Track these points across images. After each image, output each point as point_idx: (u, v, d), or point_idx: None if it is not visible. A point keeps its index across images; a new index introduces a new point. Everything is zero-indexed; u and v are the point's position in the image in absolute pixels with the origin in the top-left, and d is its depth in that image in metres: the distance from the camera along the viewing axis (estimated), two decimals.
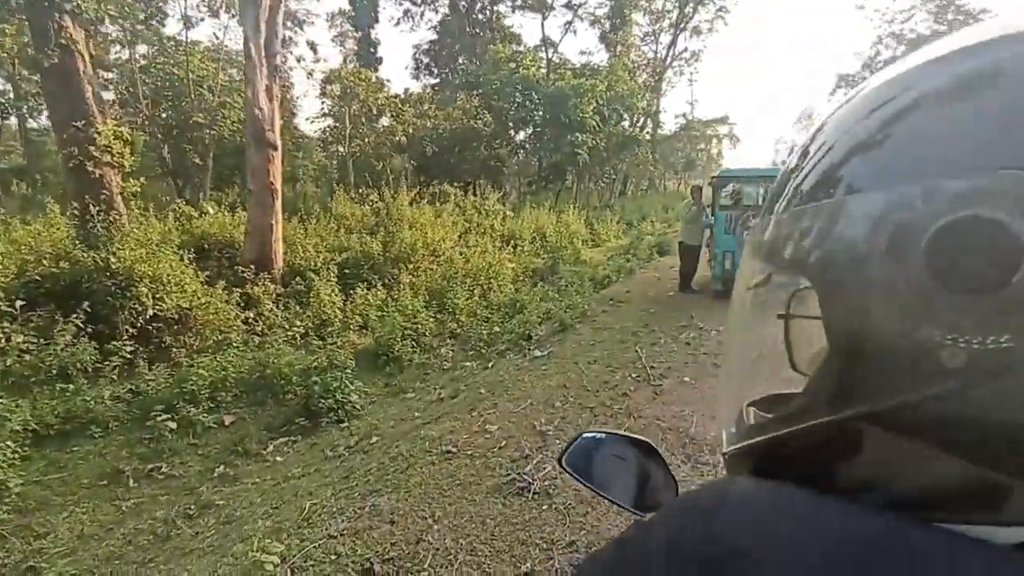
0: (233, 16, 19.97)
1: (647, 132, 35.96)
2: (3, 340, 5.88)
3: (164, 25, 20.37)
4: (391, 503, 3.52)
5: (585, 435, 0.94)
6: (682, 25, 37.42)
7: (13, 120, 24.42)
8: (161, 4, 19.67)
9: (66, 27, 7.55)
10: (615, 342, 7.01)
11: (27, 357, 5.91)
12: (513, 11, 33.86)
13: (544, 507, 3.40)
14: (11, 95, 21.79)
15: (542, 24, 32.11)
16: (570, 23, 32.15)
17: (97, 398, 5.71)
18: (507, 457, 4.08)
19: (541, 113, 23.18)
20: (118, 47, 20.23)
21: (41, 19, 7.44)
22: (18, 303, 6.23)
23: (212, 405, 6.02)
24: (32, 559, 3.89)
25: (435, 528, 3.25)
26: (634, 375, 5.68)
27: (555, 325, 8.07)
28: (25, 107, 22.76)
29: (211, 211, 11.36)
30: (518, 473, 3.78)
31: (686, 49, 40.37)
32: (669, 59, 39.16)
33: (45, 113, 17.96)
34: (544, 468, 3.84)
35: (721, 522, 0.38)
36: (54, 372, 5.96)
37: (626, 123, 30.25)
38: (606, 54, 34.68)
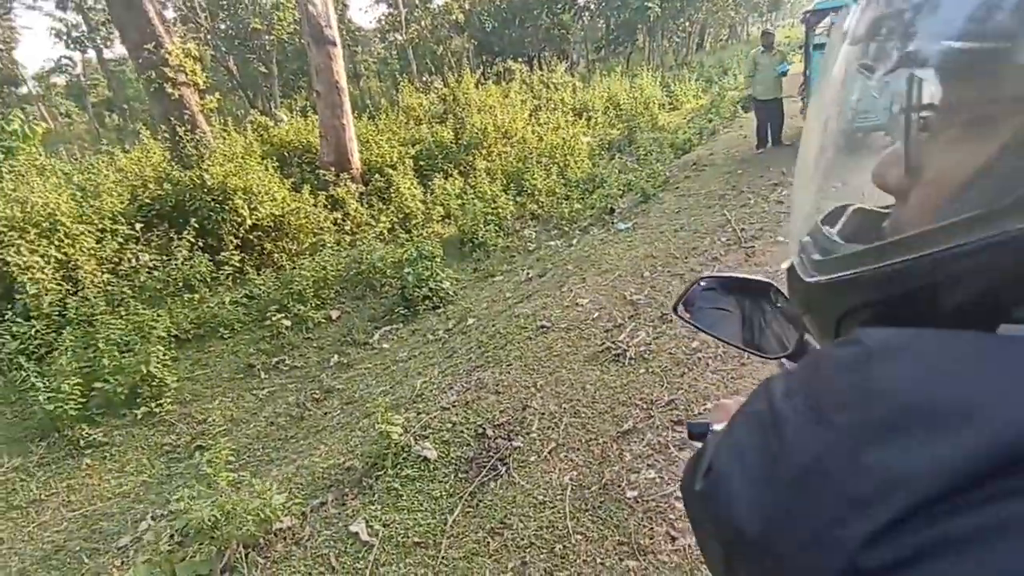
0: None
1: None
2: (135, 260, 6.51)
3: None
4: (494, 376, 3.74)
5: (702, 280, 0.91)
6: None
7: (92, 54, 25.41)
8: None
9: None
10: (701, 208, 6.74)
11: (156, 273, 6.54)
12: None
13: (641, 371, 3.50)
14: (84, 27, 22.50)
15: None
16: None
17: (219, 304, 6.31)
18: (600, 328, 4.17)
19: None
20: None
21: None
22: (138, 226, 6.80)
23: (318, 302, 6.49)
24: (198, 440, 4.55)
25: (538, 396, 3.45)
26: (723, 239, 5.49)
27: (637, 196, 7.84)
28: (98, 37, 23.53)
29: (284, 118, 11.55)
30: (612, 342, 3.88)
31: None
32: None
33: (118, 41, 18.47)
34: (638, 335, 3.91)
35: (882, 373, 0.30)
36: (180, 284, 6.59)
37: None
38: None
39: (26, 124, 8.77)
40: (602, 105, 14.64)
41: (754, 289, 0.86)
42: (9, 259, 5.75)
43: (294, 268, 6.89)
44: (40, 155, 8.15)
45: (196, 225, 6.93)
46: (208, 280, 6.75)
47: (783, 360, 0.80)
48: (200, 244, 6.92)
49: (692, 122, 13.90)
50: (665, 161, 9.82)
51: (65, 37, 23.15)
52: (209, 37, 17.60)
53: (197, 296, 6.44)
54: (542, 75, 15.91)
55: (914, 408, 0.27)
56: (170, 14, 18.00)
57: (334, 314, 6.47)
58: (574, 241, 7.06)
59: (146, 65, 7.96)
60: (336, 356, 5.67)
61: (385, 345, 5.73)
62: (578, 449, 2.97)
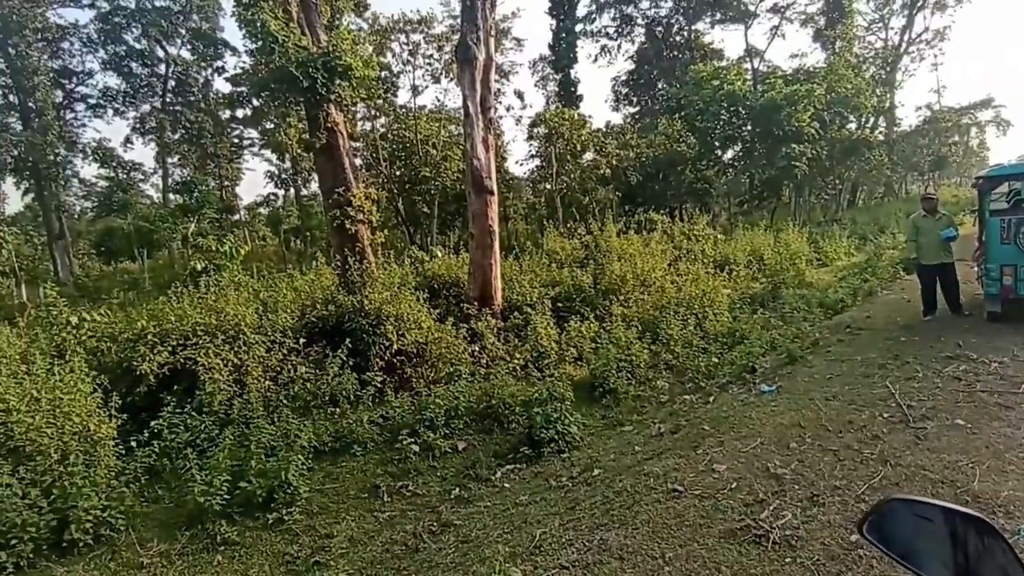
0: (451, 80, 22.43)
1: (879, 132, 31.62)
2: (293, 371, 7.23)
3: (397, 96, 23.73)
4: (619, 539, 3.50)
5: (895, 500, 0.84)
6: (919, 2, 32.49)
7: (292, 191, 30.51)
8: (394, 80, 22.90)
9: (330, 113, 9.23)
10: (857, 376, 6.16)
11: (308, 385, 7.17)
12: (712, 26, 32.81)
13: (787, 560, 3.09)
14: (291, 171, 27.29)
15: (745, 34, 30.46)
16: (777, 27, 30.11)
17: (358, 421, 6.69)
18: (739, 500, 3.80)
19: (750, 128, 21.82)
20: (363, 121, 24.08)
21: (314, 109, 9.20)
22: (301, 340, 7.62)
23: (447, 431, 6.64)
24: (318, 555, 4.64)
25: (666, 569, 3.14)
26: (886, 415, 4.93)
27: (782, 356, 7.38)
28: (299, 179, 28.31)
29: (439, 254, 12.72)
30: (753, 519, 3.50)
31: (926, 29, 34.92)
32: (904, 44, 34.21)
33: (314, 183, 22.05)
34: (783, 516, 3.50)
35: None
36: (327, 397, 7.14)
37: (852, 125, 27.08)
38: (822, 53, 31.55)
39: (234, 246, 10.50)
40: (744, 258, 14.43)
41: (956, 520, 0.78)
42: (199, 359, 6.65)
43: (429, 395, 7.20)
44: (239, 273, 9.62)
45: (350, 345, 7.59)
46: (351, 397, 7.24)
47: None
48: (350, 363, 7.52)
49: (844, 280, 13.16)
50: (814, 321, 9.26)
51: (276, 178, 28.23)
52: (386, 182, 20.39)
53: (340, 411, 6.91)
54: (683, 226, 16.21)
55: None
56: (358, 162, 21.31)
57: (460, 445, 6.55)
58: (711, 398, 6.70)
59: (334, 204, 9.36)
60: (457, 489, 5.65)
61: (507, 484, 5.64)
62: None
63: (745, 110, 21.60)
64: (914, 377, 5.77)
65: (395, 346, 8.08)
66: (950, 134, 38.29)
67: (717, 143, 22.56)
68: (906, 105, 42.24)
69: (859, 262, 15.80)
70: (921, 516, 0.81)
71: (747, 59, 29.53)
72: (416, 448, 6.24)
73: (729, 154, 23.98)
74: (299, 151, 22.51)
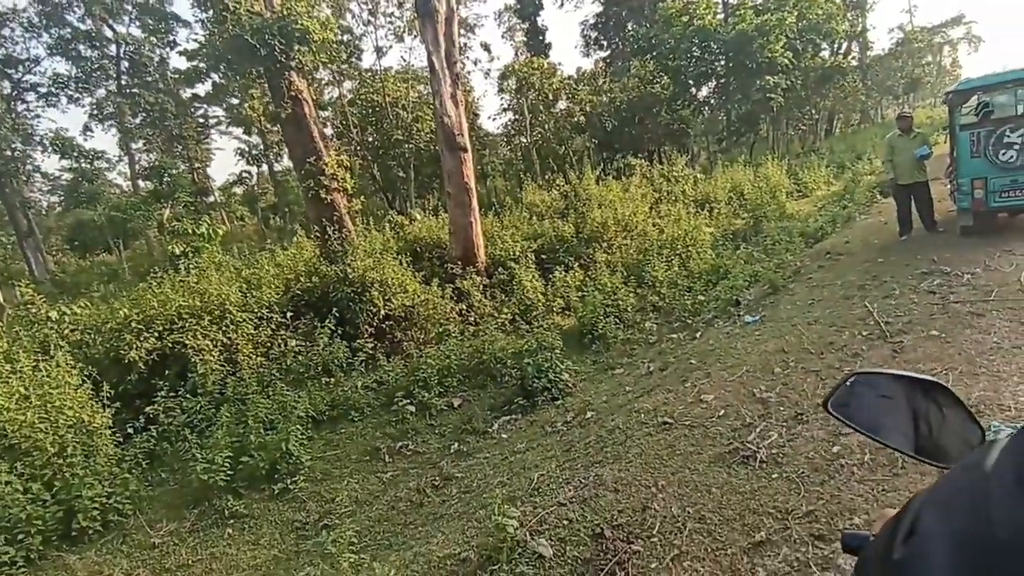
0: (415, 37, 21.79)
1: (853, 57, 31.26)
2: (283, 345, 7.24)
3: (361, 59, 23.05)
4: (613, 473, 3.61)
5: (857, 375, 0.87)
6: None
7: (265, 167, 29.83)
8: (356, 42, 22.20)
9: (293, 82, 8.96)
10: (837, 299, 6.27)
11: (300, 357, 7.20)
12: None
13: (774, 476, 3.21)
14: (261, 146, 26.64)
15: None
16: None
17: (352, 388, 6.76)
18: (727, 426, 3.91)
19: (723, 62, 21.48)
20: (329, 87, 23.43)
21: (275, 79, 8.91)
22: (288, 314, 7.60)
23: (441, 390, 6.72)
24: (325, 519, 4.75)
25: (659, 496, 3.25)
26: (865, 333, 5.04)
27: (765, 287, 7.48)
28: (271, 154, 27.66)
29: (418, 217, 12.61)
30: (741, 442, 3.61)
31: None
32: None
33: (286, 156, 21.59)
34: (769, 436, 3.61)
35: None
36: (319, 368, 7.18)
37: (825, 53, 26.66)
38: None
39: (211, 227, 10.33)
40: (725, 196, 14.45)
41: (919, 389, 0.80)
42: (187, 342, 6.64)
43: (421, 356, 7.27)
44: (219, 253, 9.50)
45: (337, 314, 7.59)
46: (344, 365, 7.29)
47: None
48: (339, 332, 7.53)
49: (824, 209, 13.25)
50: (795, 251, 9.36)
51: (247, 155, 27.52)
52: (358, 148, 19.98)
53: (333, 380, 6.97)
54: (662, 169, 16.13)
55: None
56: (328, 131, 20.83)
57: (456, 402, 6.65)
58: (697, 334, 6.81)
59: (307, 175, 9.18)
60: (456, 444, 5.77)
61: (504, 435, 5.75)
62: (703, 559, 2.72)
63: (717, 45, 21.20)
64: (891, 295, 5.88)
65: (382, 312, 8.09)
66: (923, 55, 37.90)
67: (691, 81, 22.22)
68: (878, 28, 41.97)
69: (838, 190, 15.88)
70: (882, 387, 0.84)
71: None
72: (412, 409, 6.33)
73: (704, 92, 23.69)
74: (267, 124, 21.94)
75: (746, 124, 23.03)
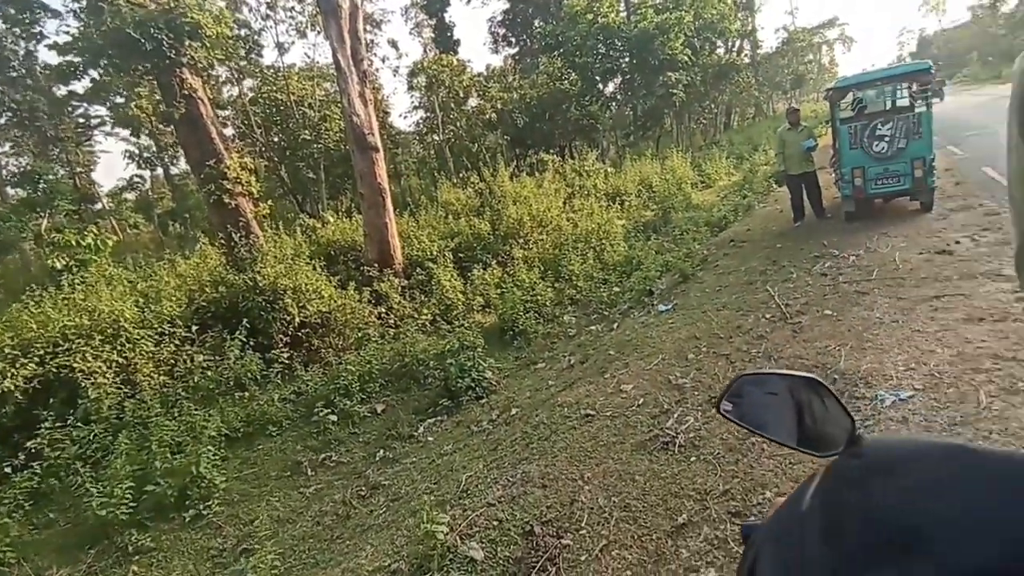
0: (319, 33, 21.04)
1: (745, 55, 33.29)
2: (189, 361, 6.79)
3: (262, 56, 21.97)
4: (540, 469, 3.65)
5: (744, 376, 0.91)
6: None
7: (160, 171, 27.78)
8: (255, 38, 21.13)
9: (186, 79, 8.39)
10: (742, 285, 6.67)
11: (208, 373, 6.77)
12: None
13: (692, 459, 3.36)
14: (153, 148, 24.78)
15: None
16: None
17: (268, 401, 6.45)
18: (646, 414, 4.06)
19: (628, 59, 22.22)
20: (228, 86, 22.16)
21: (165, 76, 8.31)
22: (193, 328, 7.13)
23: (364, 396, 6.55)
24: (244, 543, 4.50)
25: (586, 488, 3.33)
26: (768, 316, 5.39)
27: (675, 276, 7.83)
28: (166, 156, 25.80)
29: (331, 219, 12.19)
30: (660, 428, 3.76)
31: None
32: None
33: (183, 159, 20.19)
34: (686, 421, 3.78)
35: (879, 489, 0.32)
36: (231, 383, 6.79)
37: (721, 50, 28.24)
38: None
39: (98, 238, 9.51)
40: (635, 188, 14.97)
41: (799, 385, 0.86)
42: (75, 365, 6.07)
43: (340, 363, 7.04)
44: (109, 266, 8.75)
45: (248, 325, 7.21)
46: (258, 378, 6.94)
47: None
48: (251, 343, 7.17)
49: (726, 199, 14.02)
50: (702, 240, 9.85)
51: (137, 158, 25.47)
52: (263, 150, 19.06)
53: (247, 394, 6.61)
54: (574, 164, 16.49)
55: (905, 532, 0.29)
56: (229, 131, 19.72)
57: (379, 408, 6.50)
58: (615, 325, 7.02)
59: (207, 179, 8.65)
60: (382, 451, 5.64)
61: (430, 438, 5.69)
62: (631, 546, 2.82)
63: (621, 42, 21.91)
64: (789, 279, 6.32)
65: (297, 319, 7.77)
66: (805, 53, 40.96)
67: (598, 77, 22.83)
68: (766, 28, 44.79)
69: (738, 180, 16.84)
70: (766, 386, 0.89)
71: None
72: (334, 418, 6.13)
73: (610, 87, 24.40)
74: (158, 125, 20.45)
75: (651, 118, 23.97)
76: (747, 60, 32.92)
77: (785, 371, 0.89)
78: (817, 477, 0.42)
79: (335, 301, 8.18)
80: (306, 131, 18.90)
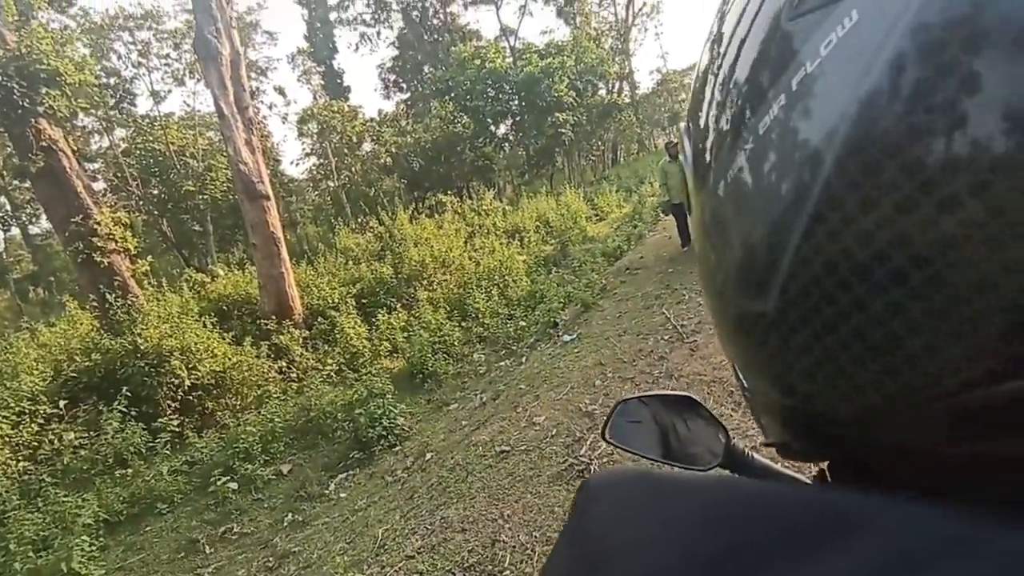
0: (199, 81, 20.21)
1: (625, 96, 35.67)
2: (57, 441, 6.05)
3: (135, 105, 20.71)
4: (459, 513, 3.57)
5: (624, 402, 0.93)
6: None
7: (16, 231, 25.08)
8: (128, 86, 19.95)
9: (43, 129, 7.72)
10: (640, 310, 6.98)
11: (82, 452, 6.07)
12: (466, 8, 33.81)
13: None
14: (7, 207, 22.36)
15: (497, 14, 31.88)
16: (524, 7, 31.94)
17: (156, 476, 5.85)
18: (560, 444, 4.10)
19: (517, 102, 23.12)
20: (96, 136, 20.63)
21: (18, 127, 7.60)
22: (62, 403, 6.40)
23: (267, 458, 6.13)
24: None
25: (507, 527, 3.28)
26: (666, 338, 5.66)
27: (578, 307, 8.07)
28: (23, 215, 23.36)
29: (221, 273, 11.53)
30: (575, 457, 3.81)
31: (644, 3, 40.03)
32: (631, 18, 38.79)
33: (44, 217, 18.37)
34: (599, 447, 3.86)
35: (588, 517, 0.33)
36: (111, 460, 6.12)
37: (603, 91, 30.06)
38: (567, 27, 34.42)
39: None
40: (533, 225, 15.39)
41: (675, 403, 0.90)
42: None
43: (239, 425, 6.56)
44: None
45: (129, 393, 6.58)
46: (143, 451, 6.30)
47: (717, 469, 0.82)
48: (134, 413, 6.53)
49: (619, 230, 14.73)
50: (600, 270, 10.25)
51: None
52: (141, 203, 17.79)
53: (130, 471, 5.97)
54: (472, 204, 16.74)
55: (597, 555, 0.30)
56: (99, 185, 18.27)
57: (285, 468, 6.10)
58: (524, 359, 7.09)
59: (73, 237, 7.92)
60: (290, 515, 5.27)
61: (343, 494, 5.39)
62: None
63: (509, 86, 22.82)
64: (683, 300, 6.71)
65: (187, 382, 7.19)
66: (678, 92, 44.68)
67: (490, 120, 23.53)
68: (642, 70, 48.45)
69: (628, 212, 17.78)
70: (647, 409, 0.92)
71: (503, 37, 31.02)
72: (234, 486, 5.66)
73: (503, 129, 25.22)
74: (10, 180, 18.57)
75: (544, 157, 24.94)
76: (627, 100, 35.28)
77: (662, 392, 0.93)
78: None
79: (230, 359, 7.68)
80: (189, 182, 17.88)
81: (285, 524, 5.13)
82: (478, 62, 22.59)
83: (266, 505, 5.55)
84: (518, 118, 23.85)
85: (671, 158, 9.38)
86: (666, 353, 5.27)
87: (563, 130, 22.19)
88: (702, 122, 0.40)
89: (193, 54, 15.14)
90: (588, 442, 3.97)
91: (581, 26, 32.86)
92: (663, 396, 0.90)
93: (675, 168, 9.23)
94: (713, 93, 0.38)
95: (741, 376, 0.44)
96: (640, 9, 39.34)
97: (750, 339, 0.37)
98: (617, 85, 34.64)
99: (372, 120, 22.43)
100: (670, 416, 0.88)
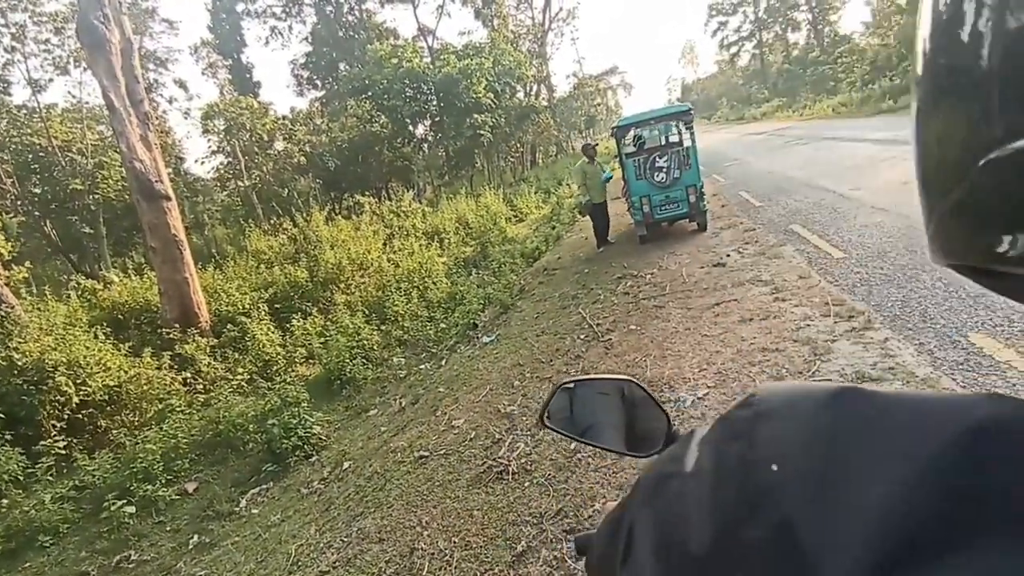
0: (85, 70, 18.59)
1: (543, 99, 36.30)
2: None
3: (10, 94, 18.76)
4: (376, 522, 3.47)
5: (563, 386, 0.88)
6: None
7: None
8: (1, 72, 18.09)
9: None
10: (557, 310, 7.09)
11: None
12: (382, 5, 33.15)
13: (526, 484, 3.44)
14: None
15: (415, 13, 31.48)
16: (442, 6, 31.75)
17: (38, 505, 5.31)
18: (479, 447, 4.08)
19: (435, 102, 22.92)
20: None
21: None
22: None
23: (170, 477, 5.72)
24: None
25: (425, 534, 3.23)
26: (583, 337, 5.78)
27: (497, 308, 8.09)
28: None
29: (115, 279, 10.67)
30: (494, 459, 3.80)
31: (561, 8, 40.91)
32: (547, 22, 39.49)
33: None
34: (517, 447, 3.88)
35: (763, 438, 0.32)
36: None
37: (521, 94, 30.39)
38: (484, 29, 34.52)
39: None
40: (452, 226, 15.30)
41: (613, 387, 0.87)
42: None
43: (137, 443, 6.07)
44: None
45: (3, 415, 5.95)
46: (20, 479, 5.71)
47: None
48: (9, 436, 5.91)
49: (538, 231, 14.92)
50: (518, 271, 10.33)
51: None
52: (18, 203, 16.16)
53: (6, 502, 5.38)
54: (391, 205, 16.43)
55: (786, 485, 0.28)
56: None
57: (190, 487, 5.72)
58: (443, 362, 7.02)
59: None
60: (196, 536, 4.94)
61: (255, 510, 5.12)
62: None
63: (428, 86, 22.57)
64: (598, 300, 6.88)
65: (75, 399, 6.60)
66: (593, 97, 46.01)
67: (408, 120, 23.19)
68: (558, 74, 49.55)
69: (547, 213, 18.05)
70: (586, 392, 0.89)
71: (421, 37, 30.67)
72: (132, 509, 5.23)
73: (421, 129, 24.93)
74: None
75: (463, 158, 24.88)
76: (545, 103, 35.90)
77: (603, 375, 0.90)
78: (697, 434, 0.41)
79: (126, 372, 7.12)
80: (77, 180, 16.42)
81: (190, 547, 4.81)
82: (395, 61, 22.18)
83: (168, 528, 5.18)
84: (437, 119, 23.64)
85: (589, 159, 9.61)
86: (582, 352, 5.37)
87: (482, 131, 22.24)
88: None
89: (77, 41, 13.92)
90: (507, 443, 3.97)
91: (499, 28, 33.06)
92: (604, 379, 0.87)
93: (594, 169, 9.48)
94: None
95: None
96: (556, 14, 40.20)
97: None
98: (535, 88, 35.19)
99: (285, 118, 21.58)
100: (611, 399, 0.84)
